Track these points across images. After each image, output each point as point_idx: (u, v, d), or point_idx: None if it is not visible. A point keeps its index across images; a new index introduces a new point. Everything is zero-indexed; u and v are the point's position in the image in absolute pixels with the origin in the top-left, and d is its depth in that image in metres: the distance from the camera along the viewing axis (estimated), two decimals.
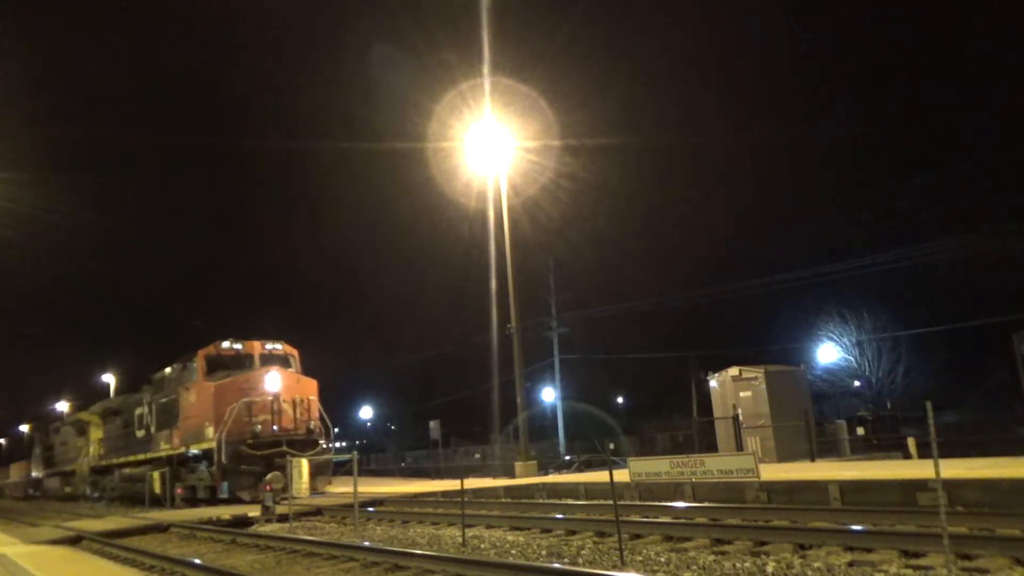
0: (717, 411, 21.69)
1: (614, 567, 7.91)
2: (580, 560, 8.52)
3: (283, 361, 22.55)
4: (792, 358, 38.40)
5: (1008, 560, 6.54)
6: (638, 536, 9.44)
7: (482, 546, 9.98)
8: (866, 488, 10.91)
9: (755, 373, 20.69)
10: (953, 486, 9.32)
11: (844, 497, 11.01)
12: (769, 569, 7.10)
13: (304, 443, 20.18)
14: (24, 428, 60.80)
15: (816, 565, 6.99)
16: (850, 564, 6.92)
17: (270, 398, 20.36)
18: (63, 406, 57.43)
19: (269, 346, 22.28)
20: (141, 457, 25.60)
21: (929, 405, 6.18)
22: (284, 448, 19.43)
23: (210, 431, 20.23)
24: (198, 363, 21.70)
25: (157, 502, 23.16)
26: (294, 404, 20.77)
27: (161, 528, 15.46)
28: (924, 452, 16.62)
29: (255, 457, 19.38)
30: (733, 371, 21.15)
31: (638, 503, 12.50)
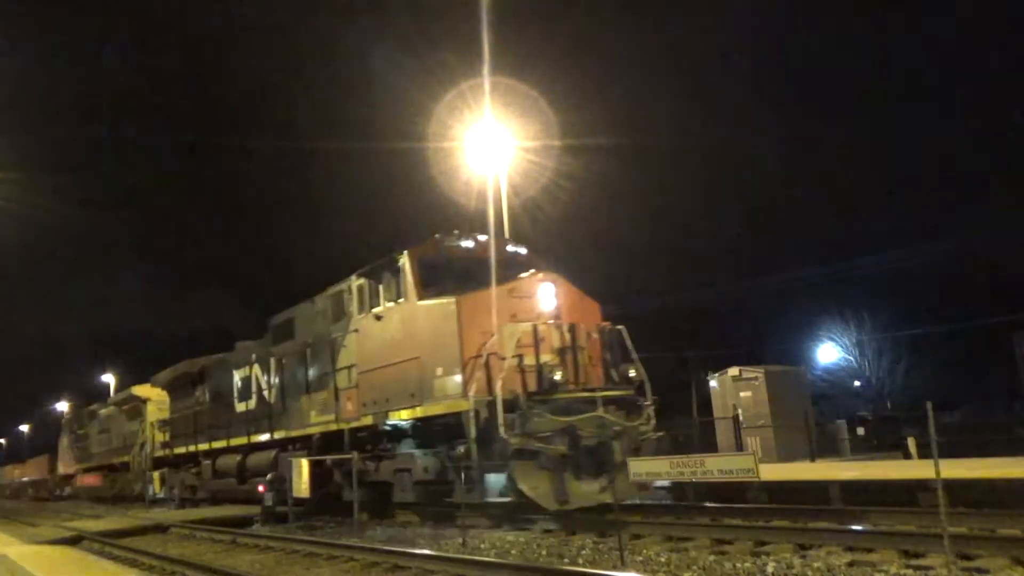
0: (717, 411, 21.67)
1: (614, 567, 7.91)
2: (580, 560, 8.52)
3: None
4: (792, 358, 38.39)
5: (1008, 560, 6.53)
6: (638, 536, 9.43)
7: (482, 546, 9.98)
8: (866, 488, 10.90)
9: (755, 373, 20.69)
10: (953, 486, 9.31)
11: (844, 497, 11.01)
12: (769, 569, 7.09)
13: (624, 404, 11.65)
14: (63, 407, 55.76)
15: (816, 565, 6.99)
16: (850, 564, 6.91)
17: (552, 325, 11.58)
18: (63, 406, 57.16)
19: (512, 248, 13.55)
20: (252, 440, 17.40)
21: (930, 405, 6.18)
22: (601, 412, 11.09)
23: (448, 383, 11.37)
24: (407, 269, 12.41)
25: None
26: (589, 337, 12.04)
27: (161, 528, 15.45)
28: (924, 452, 16.60)
29: (550, 426, 10.76)
30: (733, 371, 21.14)
31: (647, 502, 12.52)
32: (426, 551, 9.21)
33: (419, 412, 11.92)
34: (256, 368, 17.72)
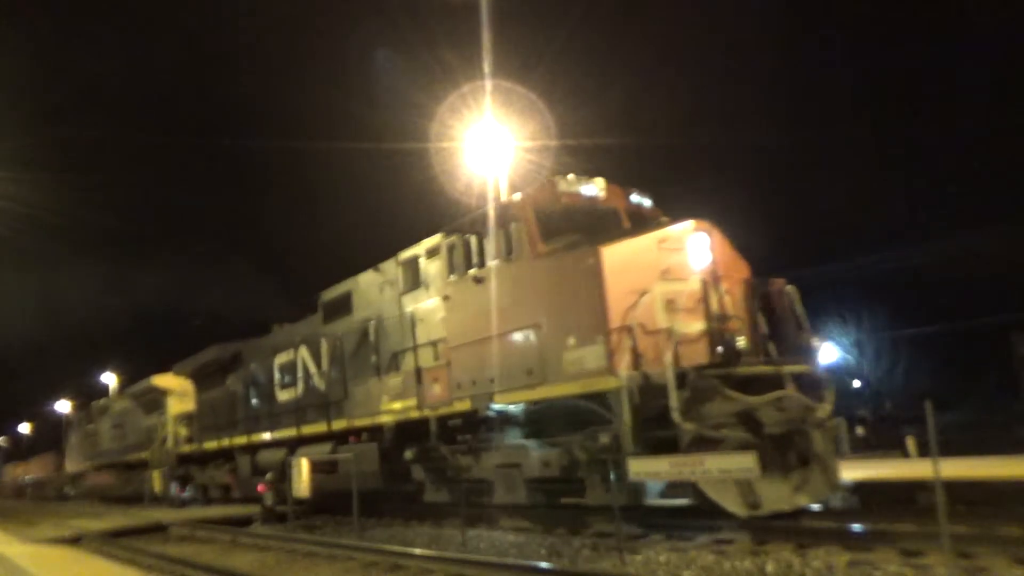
0: None
1: (614, 567, 7.91)
2: (580, 560, 8.53)
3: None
4: None
5: (1008, 559, 6.54)
6: (638, 535, 9.43)
7: (482, 546, 9.98)
8: (865, 487, 10.90)
9: None
10: (953, 486, 9.31)
11: (843, 496, 10.99)
12: (769, 569, 7.09)
13: (802, 383, 9.36)
14: (65, 406, 55.19)
15: (816, 565, 6.99)
16: (850, 564, 6.92)
17: (709, 284, 9.24)
18: (64, 405, 57.02)
19: (636, 198, 11.25)
20: (302, 432, 15.33)
21: (929, 404, 6.17)
22: (792, 391, 9.07)
23: (586, 355, 9.10)
24: (523, 218, 10.34)
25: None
26: (752, 296, 9.76)
27: (160, 527, 15.44)
28: (923, 451, 16.60)
29: (728, 408, 8.66)
30: None
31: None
32: (426, 551, 9.22)
33: (541, 393, 9.66)
34: (303, 351, 15.62)
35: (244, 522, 15.28)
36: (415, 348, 11.94)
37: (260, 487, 15.91)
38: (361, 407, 13.44)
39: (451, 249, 11.47)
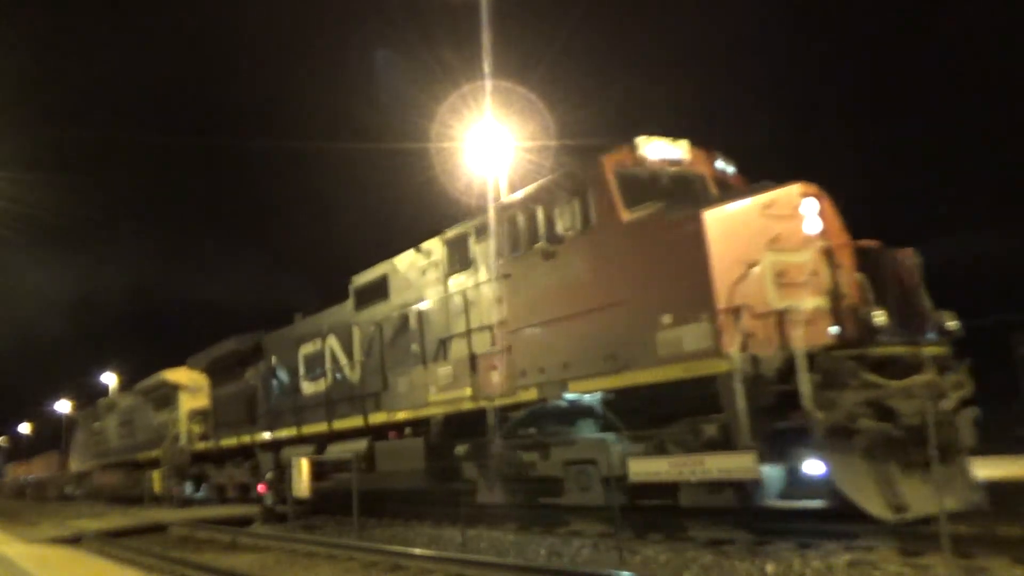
0: None
1: (613, 567, 7.90)
2: (580, 560, 8.53)
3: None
4: None
5: (1008, 560, 6.53)
6: (638, 535, 9.43)
7: (482, 546, 9.98)
8: None
9: None
10: None
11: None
12: (769, 569, 7.09)
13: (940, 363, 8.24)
14: (65, 406, 54.00)
15: (816, 565, 6.98)
16: (850, 564, 6.91)
17: (828, 254, 8.14)
18: (65, 405, 56.98)
19: (720, 164, 10.24)
20: (334, 427, 14.38)
21: (929, 406, 6.16)
22: (934, 375, 7.95)
23: (685, 335, 8.15)
24: (605, 182, 9.28)
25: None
26: (877, 267, 8.50)
27: (160, 527, 15.44)
28: None
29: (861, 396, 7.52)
30: None
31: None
32: (426, 551, 9.22)
33: (627, 379, 8.59)
34: (331, 341, 14.70)
35: (244, 522, 15.28)
36: (468, 333, 10.96)
37: (260, 487, 15.91)
38: (404, 399, 12.30)
39: (512, 223, 10.44)
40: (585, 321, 9.17)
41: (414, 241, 12.71)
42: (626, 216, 8.98)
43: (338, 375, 14.40)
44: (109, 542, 13.55)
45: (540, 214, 10.05)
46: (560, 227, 9.74)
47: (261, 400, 17.30)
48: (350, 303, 14.25)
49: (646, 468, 8.39)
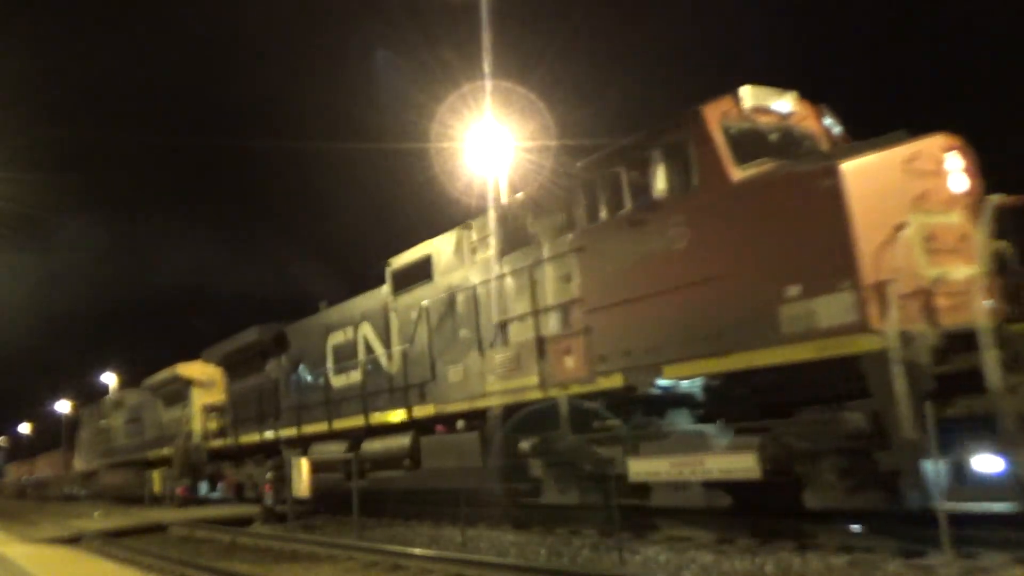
0: None
1: (613, 567, 7.90)
2: (580, 560, 8.52)
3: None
4: None
5: (1008, 559, 6.52)
6: (638, 535, 9.42)
7: (482, 546, 9.97)
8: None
9: None
10: None
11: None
12: (769, 569, 7.09)
13: None
14: (64, 407, 53.94)
15: (816, 565, 6.98)
16: (850, 564, 6.90)
17: (974, 213, 7.17)
18: (64, 405, 56.96)
19: (828, 121, 9.03)
20: (372, 421, 13.16)
21: (929, 405, 6.14)
22: None
23: (818, 308, 6.97)
24: (709, 136, 8.13)
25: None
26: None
27: (160, 527, 15.44)
28: None
29: None
30: None
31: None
32: (426, 551, 9.22)
33: (741, 361, 7.50)
34: (365, 329, 13.66)
35: (244, 522, 15.28)
36: (535, 314, 9.84)
37: (265, 487, 15.92)
38: (455, 389, 11.15)
39: (588, 190, 9.30)
40: (683, 296, 7.98)
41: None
42: (737, 174, 7.79)
43: (373, 365, 13.33)
44: (109, 542, 13.56)
45: (624, 177, 8.83)
46: (652, 191, 8.50)
47: (284, 394, 16.27)
48: (386, 287, 13.11)
49: (646, 468, 8.34)
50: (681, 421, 8.75)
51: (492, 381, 10.47)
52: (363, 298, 14.14)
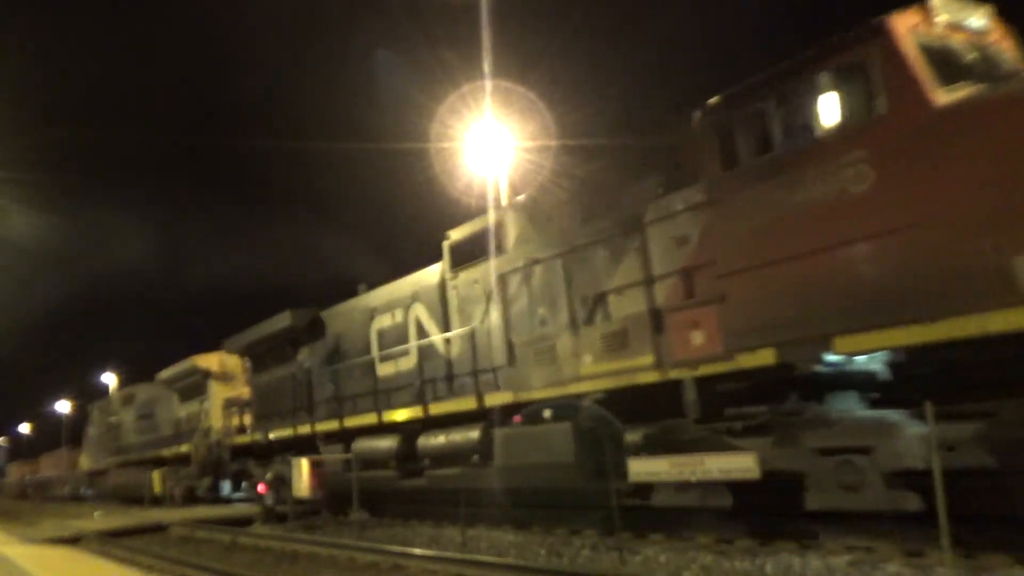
0: None
1: (614, 567, 7.90)
2: (580, 560, 8.52)
3: None
4: None
5: (1008, 559, 6.51)
6: (638, 535, 9.42)
7: (482, 546, 9.97)
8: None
9: None
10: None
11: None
12: (769, 569, 7.08)
13: None
14: (64, 407, 54.83)
15: (816, 565, 6.97)
16: (850, 564, 6.90)
17: None
18: (65, 405, 56.98)
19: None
20: (432, 411, 11.96)
21: (929, 406, 6.14)
22: None
23: None
24: (900, 53, 6.69)
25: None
26: None
27: (160, 527, 15.44)
28: None
29: None
30: None
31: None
32: (426, 551, 9.21)
33: (968, 327, 5.98)
34: (418, 310, 12.43)
35: (244, 522, 15.28)
36: (648, 283, 8.47)
37: (261, 487, 15.90)
38: (540, 374, 9.79)
39: (721, 131, 7.90)
40: (864, 251, 6.66)
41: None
42: (941, 98, 6.48)
43: (428, 351, 12.12)
44: (109, 542, 13.56)
45: (774, 113, 7.46)
46: (814, 126, 7.18)
47: (320, 384, 14.94)
48: (443, 263, 11.87)
49: (646, 468, 8.32)
50: (845, 405, 7.42)
51: (589, 363, 9.09)
52: (414, 277, 12.84)
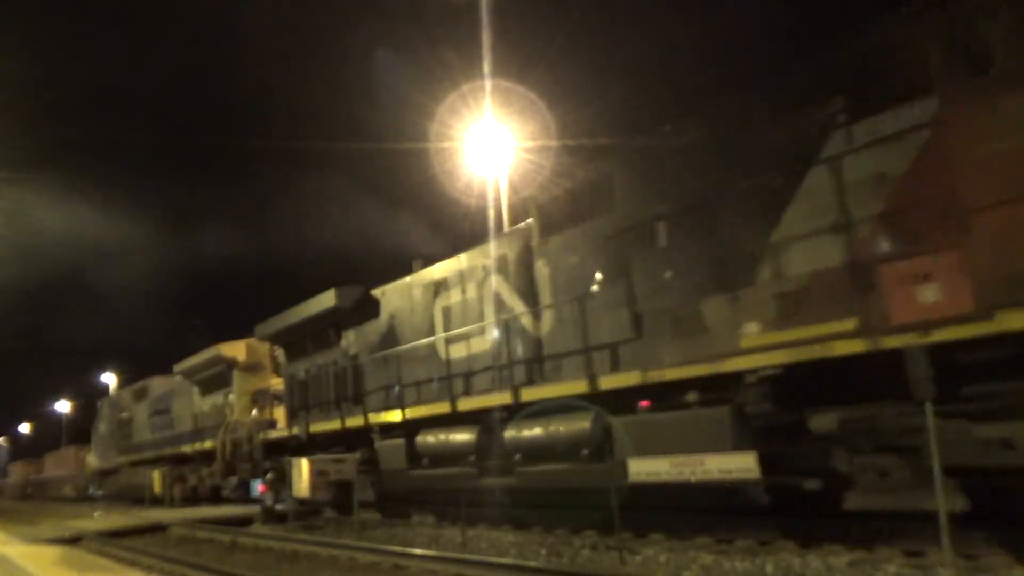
0: None
1: (614, 567, 7.90)
2: (580, 560, 8.52)
3: None
4: None
5: (1009, 559, 6.51)
6: (638, 535, 9.42)
7: (482, 546, 9.97)
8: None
9: None
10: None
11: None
12: (768, 569, 7.08)
13: None
14: (64, 407, 54.85)
15: (816, 565, 6.97)
16: (850, 564, 6.89)
17: None
18: (64, 406, 56.90)
19: None
20: (524, 397, 10.00)
21: (929, 406, 6.13)
22: None
23: None
24: None
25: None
26: None
27: (160, 527, 15.44)
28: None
29: None
30: None
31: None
32: (426, 551, 9.21)
33: None
34: (495, 283, 10.90)
35: (244, 522, 15.28)
36: (842, 228, 6.89)
37: (261, 487, 15.91)
38: (682, 347, 8.14)
39: (950, 39, 6.37)
40: None
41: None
42: None
43: (514, 326, 10.48)
44: (109, 542, 13.55)
45: None
46: None
47: (372, 371, 13.32)
48: (529, 227, 10.51)
49: (646, 468, 8.32)
50: None
51: (754, 333, 7.46)
52: (489, 246, 11.35)
